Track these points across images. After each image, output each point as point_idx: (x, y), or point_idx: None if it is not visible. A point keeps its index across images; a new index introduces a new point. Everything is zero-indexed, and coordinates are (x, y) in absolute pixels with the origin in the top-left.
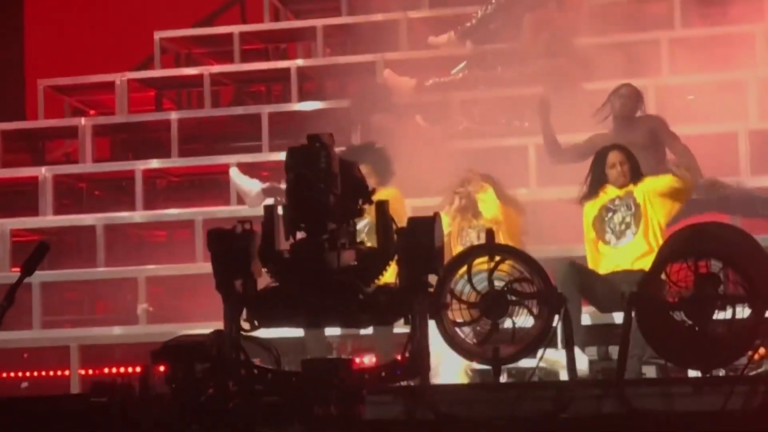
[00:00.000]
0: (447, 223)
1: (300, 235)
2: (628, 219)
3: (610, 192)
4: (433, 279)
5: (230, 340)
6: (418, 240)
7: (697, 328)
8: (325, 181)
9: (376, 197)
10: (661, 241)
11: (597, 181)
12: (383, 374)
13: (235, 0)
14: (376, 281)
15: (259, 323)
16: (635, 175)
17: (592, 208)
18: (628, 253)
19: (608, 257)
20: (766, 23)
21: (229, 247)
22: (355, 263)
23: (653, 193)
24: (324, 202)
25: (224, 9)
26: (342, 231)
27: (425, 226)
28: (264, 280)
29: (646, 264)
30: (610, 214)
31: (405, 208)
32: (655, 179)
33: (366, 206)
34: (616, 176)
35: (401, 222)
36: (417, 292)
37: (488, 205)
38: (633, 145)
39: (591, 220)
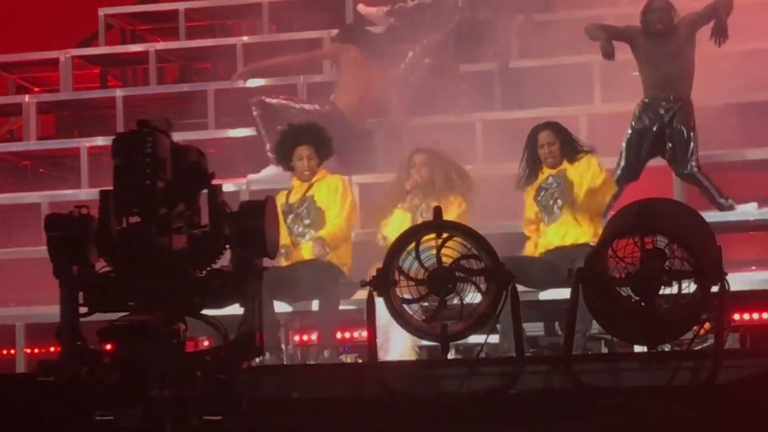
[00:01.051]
0: (407, 220)
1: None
2: (556, 194)
3: (545, 172)
4: (268, 262)
5: (68, 325)
6: (249, 223)
7: (643, 304)
8: (152, 166)
9: (322, 181)
10: (587, 214)
11: (531, 161)
12: (216, 357)
13: None
14: (212, 265)
15: (94, 308)
16: (567, 152)
17: (530, 190)
18: (558, 230)
19: (544, 236)
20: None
21: (66, 232)
22: (187, 247)
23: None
24: (151, 187)
25: None
26: (175, 215)
27: (256, 210)
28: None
29: (573, 237)
30: (542, 193)
31: (352, 192)
32: (593, 173)
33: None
34: (545, 156)
35: (353, 204)
36: (249, 275)
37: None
38: (670, 55)
39: (530, 201)
